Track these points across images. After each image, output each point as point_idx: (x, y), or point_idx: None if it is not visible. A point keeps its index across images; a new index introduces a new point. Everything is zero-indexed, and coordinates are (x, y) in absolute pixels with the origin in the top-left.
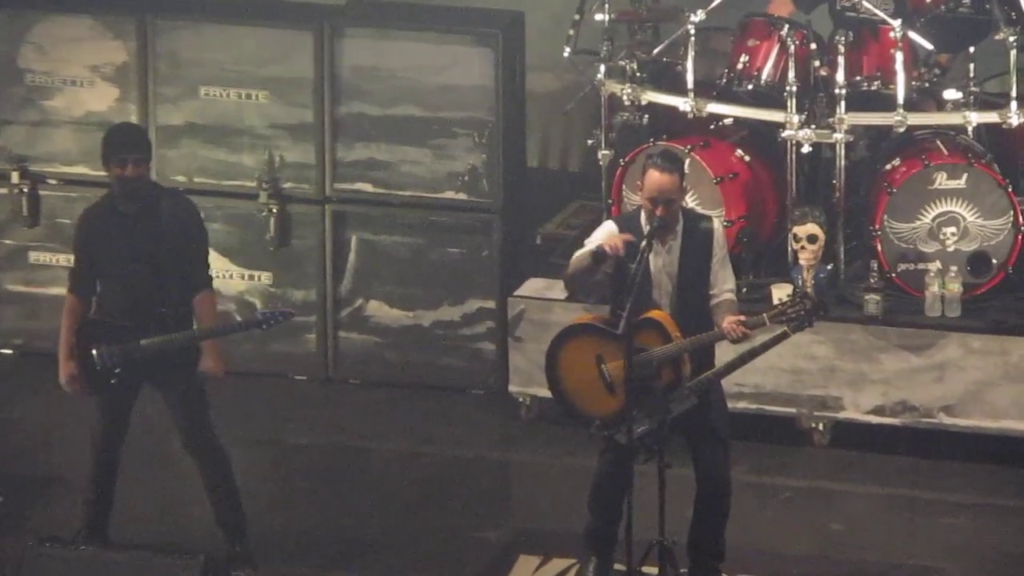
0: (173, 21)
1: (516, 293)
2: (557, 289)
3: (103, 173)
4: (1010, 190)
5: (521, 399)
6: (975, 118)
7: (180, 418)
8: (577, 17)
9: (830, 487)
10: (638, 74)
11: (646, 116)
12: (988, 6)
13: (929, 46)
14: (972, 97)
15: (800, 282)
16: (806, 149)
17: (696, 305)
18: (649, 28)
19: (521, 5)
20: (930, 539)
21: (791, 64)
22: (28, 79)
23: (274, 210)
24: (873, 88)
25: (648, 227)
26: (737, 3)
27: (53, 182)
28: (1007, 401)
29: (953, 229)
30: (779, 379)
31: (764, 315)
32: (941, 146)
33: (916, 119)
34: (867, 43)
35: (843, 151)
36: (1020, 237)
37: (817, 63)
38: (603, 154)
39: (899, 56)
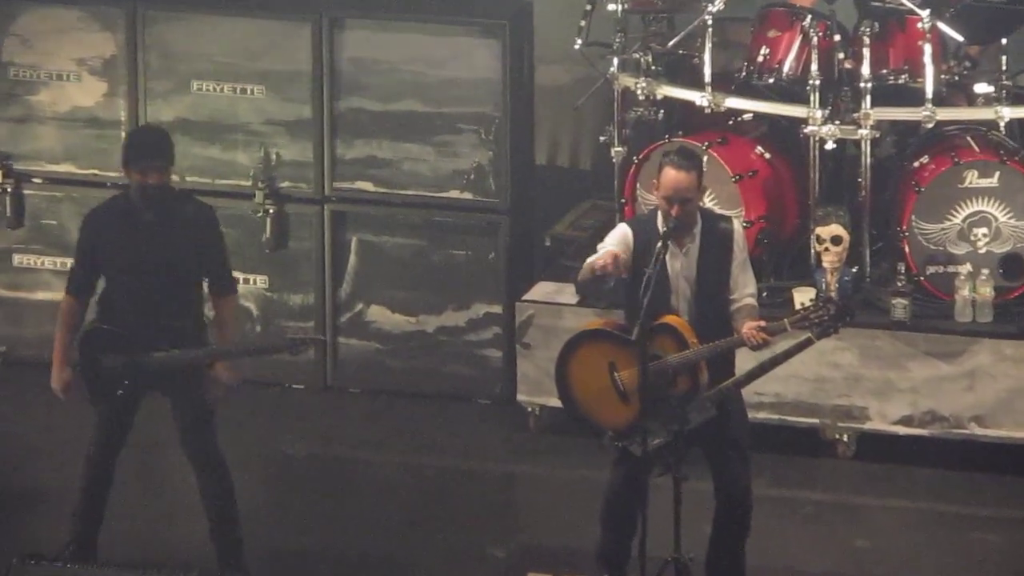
0: (164, 12)
1: (524, 297)
2: (567, 293)
3: (90, 171)
4: None
5: (529, 408)
6: (1008, 113)
7: (185, 423)
8: (589, 7)
9: (855, 501)
10: (653, 67)
11: (661, 111)
12: None
13: (959, 37)
14: (1004, 91)
15: (823, 286)
16: (830, 146)
17: (716, 310)
18: (664, 18)
19: None
20: (961, 556)
21: (814, 56)
22: (12, 73)
23: (270, 210)
24: (900, 82)
25: (664, 228)
26: None
27: (38, 181)
28: None
29: (984, 230)
30: (801, 388)
31: (785, 320)
32: (972, 143)
33: (945, 114)
34: (894, 34)
35: (868, 148)
36: None
37: (841, 55)
38: (616, 151)
39: (927, 48)
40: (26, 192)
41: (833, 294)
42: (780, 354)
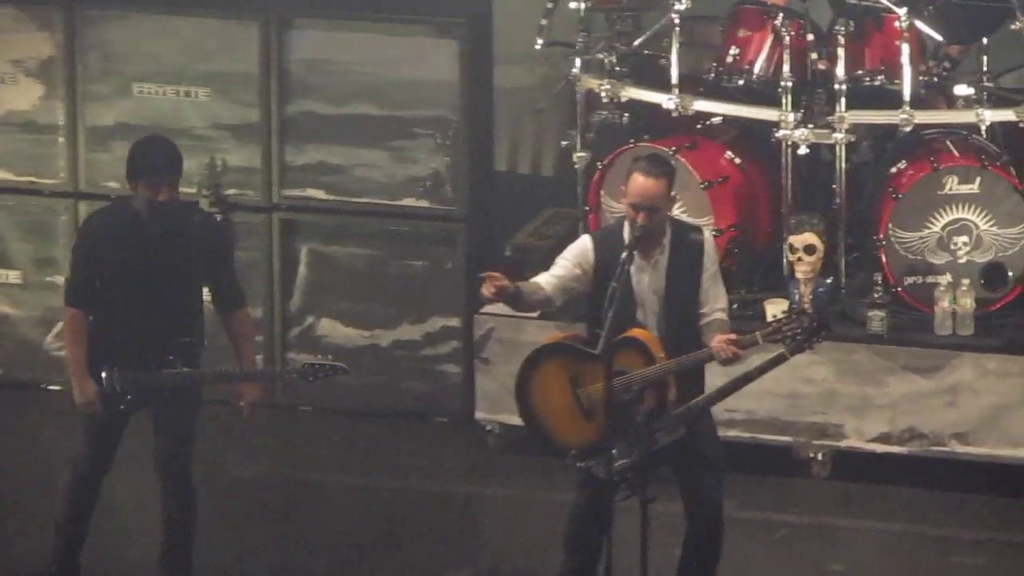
0: (104, 11)
1: (483, 310)
2: None
3: (26, 178)
4: None
5: (489, 427)
6: (989, 116)
7: (166, 440)
8: (550, 5)
9: (830, 523)
10: (617, 68)
11: (626, 114)
12: None
13: (938, 37)
14: (986, 93)
15: (797, 297)
16: (803, 150)
17: (685, 325)
18: (629, 17)
19: None
20: None
21: (786, 56)
22: None
23: (217, 219)
24: (877, 83)
25: (630, 239)
26: None
27: None
28: None
29: (965, 238)
30: (774, 404)
31: (757, 334)
32: (952, 147)
33: (924, 117)
34: (870, 34)
35: (844, 153)
36: None
37: (815, 56)
38: (579, 156)
39: (905, 48)
40: None
41: (807, 306)
42: (753, 370)
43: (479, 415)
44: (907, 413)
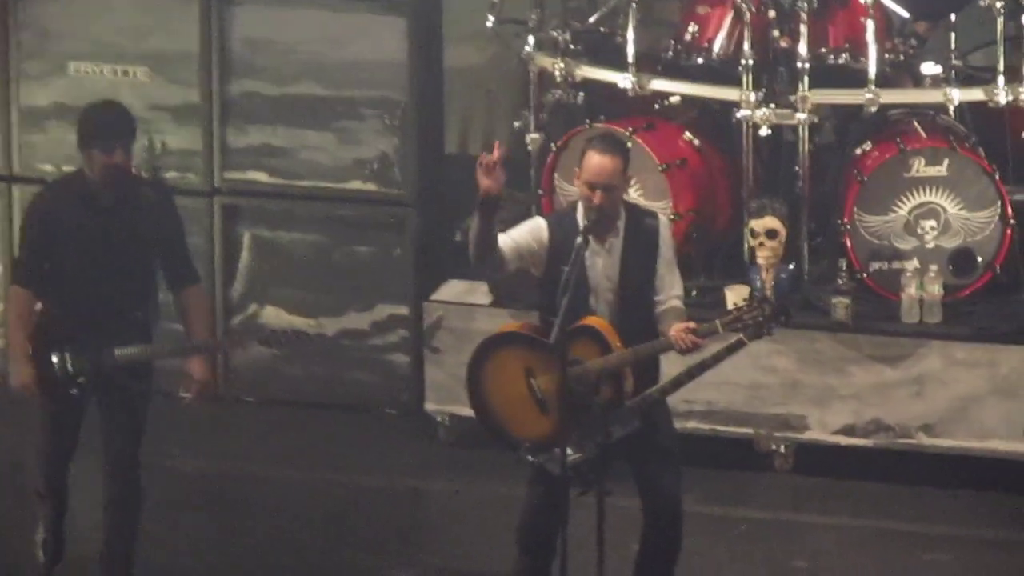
0: None
1: (433, 297)
2: (480, 293)
3: None
4: (997, 178)
5: (439, 419)
6: (957, 95)
7: (116, 428)
8: None
9: (793, 519)
10: (572, 46)
11: (581, 94)
12: None
13: (905, 13)
14: (954, 71)
15: (758, 284)
16: (764, 131)
17: (640, 313)
18: None
19: None
20: None
21: (747, 34)
22: None
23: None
24: (841, 61)
25: (585, 222)
26: None
27: None
28: (995, 419)
29: (933, 223)
30: (734, 395)
31: (717, 322)
32: (919, 128)
33: (890, 97)
34: (834, 10)
35: (806, 134)
36: (1009, 232)
37: (777, 33)
38: (532, 138)
39: (870, 25)
40: None
41: (769, 293)
42: (709, 358)
43: (429, 407)
44: (872, 404)
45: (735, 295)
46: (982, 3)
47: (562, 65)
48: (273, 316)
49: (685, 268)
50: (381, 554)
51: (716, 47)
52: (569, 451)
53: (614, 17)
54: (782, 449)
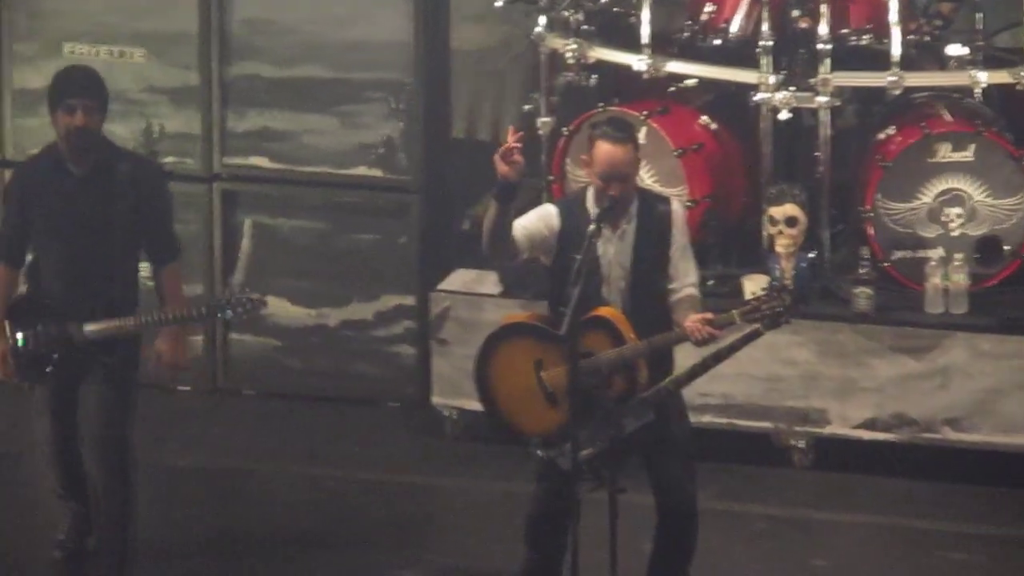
0: None
1: (439, 287)
2: (488, 282)
3: None
4: None
5: (445, 412)
6: (984, 78)
7: (102, 412)
8: None
9: (812, 516)
10: (584, 27)
11: (593, 77)
12: None
13: None
14: (980, 53)
15: (777, 273)
16: (784, 115)
17: (653, 302)
18: None
19: None
20: None
21: (765, 14)
22: None
23: (152, 163)
24: (863, 43)
25: (597, 210)
26: None
27: None
28: (1022, 413)
29: (958, 210)
30: (752, 388)
31: (734, 312)
32: (944, 111)
33: (914, 79)
34: None
35: (827, 118)
36: None
37: (796, 13)
38: (543, 122)
39: (894, 4)
40: None
41: (788, 282)
42: (724, 348)
43: (435, 400)
44: (895, 397)
45: (753, 284)
46: None
47: (574, 46)
48: (274, 307)
49: (701, 256)
50: (386, 551)
51: (734, 28)
52: (580, 445)
53: None
54: (801, 444)
